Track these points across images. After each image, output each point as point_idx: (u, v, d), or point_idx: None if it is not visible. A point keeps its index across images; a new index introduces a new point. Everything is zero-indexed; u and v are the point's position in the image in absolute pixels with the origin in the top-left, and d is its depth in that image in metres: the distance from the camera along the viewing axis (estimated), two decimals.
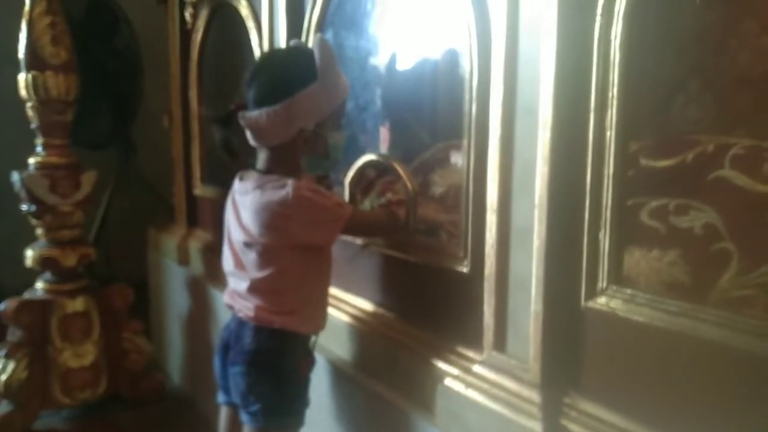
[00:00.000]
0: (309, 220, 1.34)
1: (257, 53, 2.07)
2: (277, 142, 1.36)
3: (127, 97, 3.56)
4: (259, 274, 1.37)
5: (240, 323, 1.43)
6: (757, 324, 0.84)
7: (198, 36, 2.55)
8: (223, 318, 2.29)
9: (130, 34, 3.54)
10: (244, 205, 1.38)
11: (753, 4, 0.84)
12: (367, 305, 1.65)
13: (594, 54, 1.00)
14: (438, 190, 1.44)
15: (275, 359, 1.40)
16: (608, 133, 1.00)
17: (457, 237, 1.33)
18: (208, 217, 2.67)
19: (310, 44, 1.73)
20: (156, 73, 3.38)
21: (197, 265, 2.60)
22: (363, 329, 1.59)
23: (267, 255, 1.36)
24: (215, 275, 2.41)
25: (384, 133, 1.62)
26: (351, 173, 1.62)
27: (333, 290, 1.66)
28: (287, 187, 1.31)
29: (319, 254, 1.45)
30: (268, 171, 1.39)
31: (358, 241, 1.63)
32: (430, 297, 1.44)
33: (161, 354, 2.99)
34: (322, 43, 1.32)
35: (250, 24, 2.11)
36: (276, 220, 1.32)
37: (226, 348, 1.48)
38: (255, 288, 1.39)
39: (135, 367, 2.62)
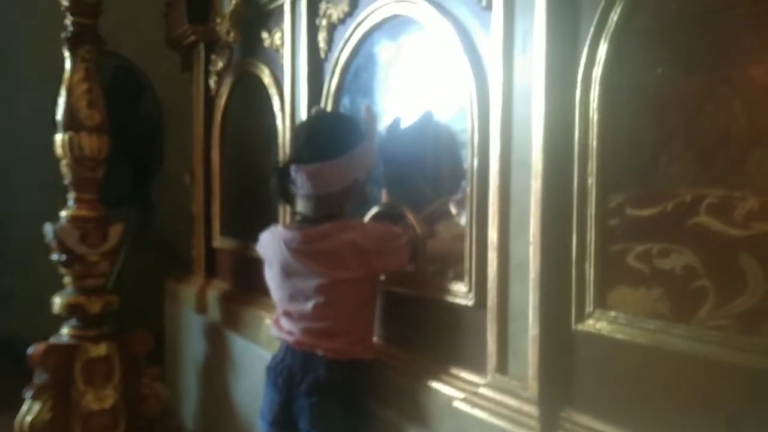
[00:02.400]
0: (386, 249, 1.53)
1: (279, 117, 2.26)
2: (334, 190, 1.56)
3: (148, 159, 3.76)
4: (336, 312, 1.54)
5: (307, 357, 1.55)
6: (720, 335, 0.98)
7: (221, 101, 2.76)
8: (240, 362, 2.42)
9: (153, 100, 3.78)
10: (313, 253, 1.53)
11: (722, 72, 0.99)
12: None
13: (576, 114, 1.19)
14: (443, 236, 1.62)
15: (350, 388, 1.56)
16: (590, 180, 1.17)
17: (462, 274, 1.48)
18: (226, 268, 2.82)
19: (329, 109, 1.95)
20: (174, 135, 3.61)
21: (215, 312, 2.73)
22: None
23: (341, 292, 1.53)
24: (232, 321, 2.54)
25: (392, 186, 1.81)
26: (366, 220, 1.80)
27: None
28: (358, 228, 1.53)
29: (377, 282, 1.64)
30: (318, 217, 1.57)
31: None
32: (437, 330, 1.57)
33: (176, 399, 3.07)
34: (370, 109, 1.60)
35: (272, 91, 2.32)
36: (357, 257, 1.50)
37: (288, 381, 1.58)
38: (334, 327, 1.54)
39: (152, 411, 2.69)
